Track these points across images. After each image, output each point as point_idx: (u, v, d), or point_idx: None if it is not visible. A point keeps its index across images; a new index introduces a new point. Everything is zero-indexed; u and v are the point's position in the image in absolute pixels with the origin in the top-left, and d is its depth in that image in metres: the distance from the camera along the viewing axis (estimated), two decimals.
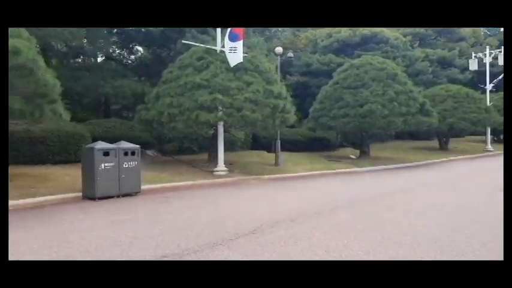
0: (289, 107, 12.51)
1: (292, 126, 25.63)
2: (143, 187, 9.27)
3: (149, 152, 16.14)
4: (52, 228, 5.79)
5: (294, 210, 7.17)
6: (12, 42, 6.52)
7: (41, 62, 7.04)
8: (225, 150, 19.85)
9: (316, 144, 22.09)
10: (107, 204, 7.61)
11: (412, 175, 14.40)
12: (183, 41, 13.42)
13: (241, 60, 11.71)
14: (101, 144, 8.27)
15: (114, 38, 23.63)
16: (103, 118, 19.43)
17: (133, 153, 8.65)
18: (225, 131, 13.08)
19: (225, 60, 12.23)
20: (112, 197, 8.21)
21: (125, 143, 8.75)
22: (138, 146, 8.88)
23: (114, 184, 8.22)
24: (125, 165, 8.44)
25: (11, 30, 7.12)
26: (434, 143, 26.92)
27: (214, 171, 12.04)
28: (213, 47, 12.63)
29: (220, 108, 11.56)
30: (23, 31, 7.68)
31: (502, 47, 20.84)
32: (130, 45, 24.78)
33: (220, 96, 11.11)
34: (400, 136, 28.44)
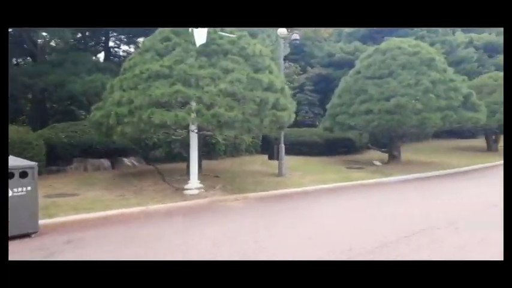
0: (284, 102, 9.30)
1: (312, 126, 22.43)
2: (61, 219, 6.49)
3: (126, 161, 13.47)
4: None
5: None
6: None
7: None
8: (227, 155, 17.07)
9: (337, 147, 18.67)
10: None
11: (457, 187, 10.84)
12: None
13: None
14: None
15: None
16: None
17: (23, 175, 5.73)
18: (203, 135, 10.13)
19: None
20: None
21: (13, 159, 5.82)
22: (33, 163, 5.86)
23: None
24: (13, 192, 5.61)
25: None
26: (481, 141, 22.78)
27: (184, 188, 9.08)
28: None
29: (193, 104, 8.57)
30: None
31: None
32: None
33: (183, 88, 8.12)
34: (439, 135, 24.43)
